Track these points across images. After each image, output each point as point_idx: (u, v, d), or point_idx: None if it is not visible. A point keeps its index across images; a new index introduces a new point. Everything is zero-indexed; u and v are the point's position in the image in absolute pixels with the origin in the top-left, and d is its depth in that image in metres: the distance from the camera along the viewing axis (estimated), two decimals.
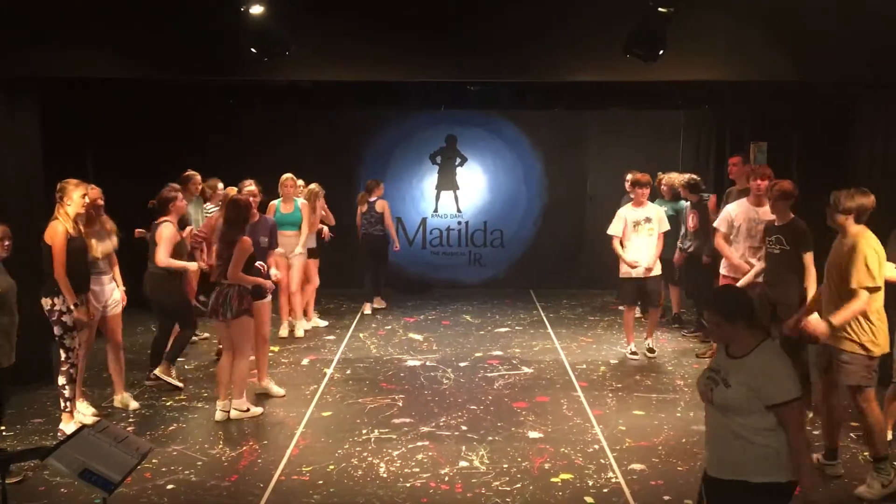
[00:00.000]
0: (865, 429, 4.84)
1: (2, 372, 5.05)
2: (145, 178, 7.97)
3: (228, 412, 6.12)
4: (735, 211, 6.66)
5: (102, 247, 6.08)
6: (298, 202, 8.53)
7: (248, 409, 6.19)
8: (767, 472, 3.15)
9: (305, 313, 9.01)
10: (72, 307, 5.56)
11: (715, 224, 6.86)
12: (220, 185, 8.45)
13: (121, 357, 6.39)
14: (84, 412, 6.02)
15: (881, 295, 4.73)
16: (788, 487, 3.19)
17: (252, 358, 6.44)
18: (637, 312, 8.44)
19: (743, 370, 3.19)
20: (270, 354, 7.92)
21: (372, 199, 9.92)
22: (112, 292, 6.24)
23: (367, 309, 9.95)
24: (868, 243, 4.66)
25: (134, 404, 6.37)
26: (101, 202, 6.21)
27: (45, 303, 5.60)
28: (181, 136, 10.32)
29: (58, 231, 5.55)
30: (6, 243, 5.07)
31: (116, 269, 6.33)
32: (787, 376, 3.17)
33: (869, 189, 4.85)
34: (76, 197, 5.63)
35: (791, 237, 5.80)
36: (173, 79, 7.92)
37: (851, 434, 5.62)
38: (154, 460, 5.26)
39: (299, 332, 8.62)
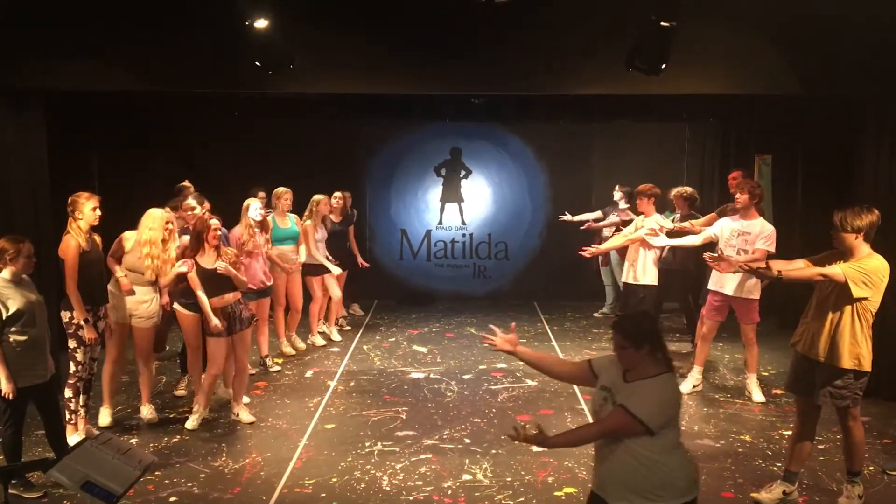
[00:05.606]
0: (851, 445, 4.79)
1: (46, 385, 5.04)
2: (150, 189, 8.00)
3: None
4: (721, 222, 6.78)
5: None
6: (292, 217, 8.34)
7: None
8: (660, 496, 3.15)
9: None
10: (81, 323, 5.56)
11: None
12: (261, 194, 8.49)
13: (148, 369, 6.35)
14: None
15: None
16: None
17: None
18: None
19: (630, 392, 3.19)
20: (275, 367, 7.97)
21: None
22: (139, 305, 6.08)
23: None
24: (885, 265, 4.56)
25: (150, 416, 6.31)
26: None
27: (64, 315, 5.63)
28: (186, 148, 10.36)
29: (70, 245, 5.54)
30: (32, 260, 4.97)
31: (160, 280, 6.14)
32: (655, 403, 3.16)
33: (874, 203, 4.78)
34: (87, 210, 5.61)
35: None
36: (178, 91, 7.95)
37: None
38: (157, 472, 5.27)
39: (300, 345, 8.56)
